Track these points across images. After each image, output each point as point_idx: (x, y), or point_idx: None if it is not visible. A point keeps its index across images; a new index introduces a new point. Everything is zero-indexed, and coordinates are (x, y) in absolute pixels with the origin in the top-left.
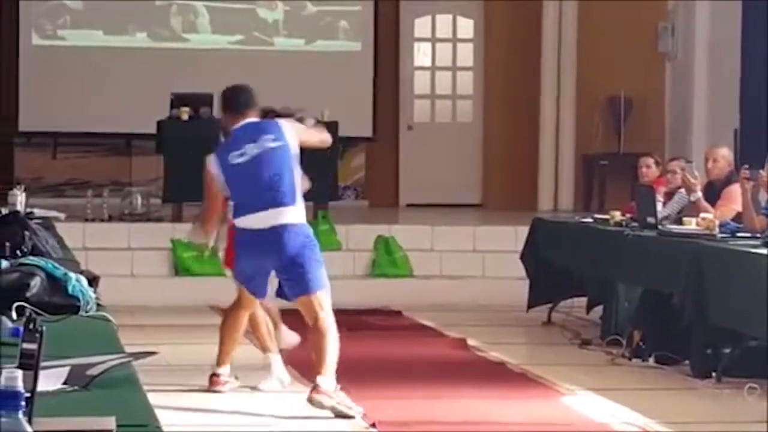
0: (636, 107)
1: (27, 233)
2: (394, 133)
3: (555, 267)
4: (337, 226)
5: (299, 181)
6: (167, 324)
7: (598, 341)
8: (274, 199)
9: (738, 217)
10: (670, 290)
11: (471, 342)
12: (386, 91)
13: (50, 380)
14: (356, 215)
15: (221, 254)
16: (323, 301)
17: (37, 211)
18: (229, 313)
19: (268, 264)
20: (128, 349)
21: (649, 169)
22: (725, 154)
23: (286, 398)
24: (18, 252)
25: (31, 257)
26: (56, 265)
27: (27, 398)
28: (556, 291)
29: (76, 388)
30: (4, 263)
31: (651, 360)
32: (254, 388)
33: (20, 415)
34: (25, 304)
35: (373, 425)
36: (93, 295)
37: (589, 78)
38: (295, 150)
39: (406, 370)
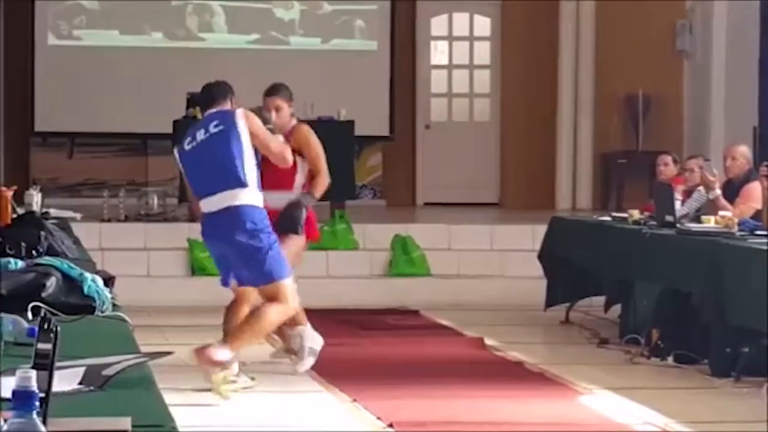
0: (654, 105)
1: (43, 233)
2: (411, 132)
3: (573, 266)
4: (355, 226)
5: (252, 166)
6: (183, 324)
7: (617, 340)
8: (222, 182)
9: (757, 215)
10: (689, 289)
11: (488, 341)
12: (403, 90)
13: (65, 380)
14: (373, 214)
15: None
16: (281, 291)
17: (53, 212)
18: (229, 310)
19: (223, 247)
20: (144, 349)
21: (666, 167)
22: (744, 152)
23: (304, 398)
24: (34, 252)
25: (46, 257)
26: (72, 265)
27: (42, 398)
28: (574, 290)
29: (91, 388)
30: (20, 263)
31: (670, 359)
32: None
33: (34, 415)
34: (41, 304)
35: (391, 425)
36: (109, 295)
37: (606, 76)
38: (245, 137)
39: (423, 369)
